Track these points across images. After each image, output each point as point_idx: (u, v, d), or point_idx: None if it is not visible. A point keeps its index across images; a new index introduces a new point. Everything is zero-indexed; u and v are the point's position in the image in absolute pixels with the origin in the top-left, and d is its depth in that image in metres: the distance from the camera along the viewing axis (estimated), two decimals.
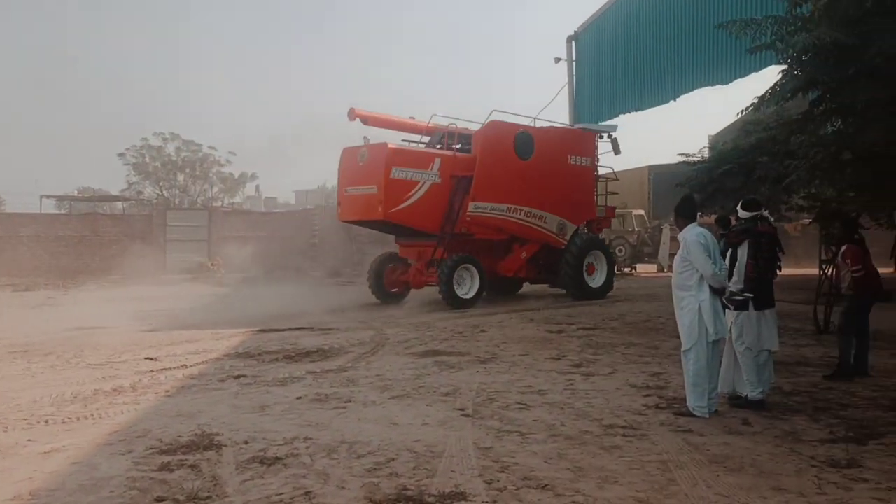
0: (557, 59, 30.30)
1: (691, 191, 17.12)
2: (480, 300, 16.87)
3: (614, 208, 21.24)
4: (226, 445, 5.91)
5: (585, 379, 8.63)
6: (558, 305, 17.13)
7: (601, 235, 20.00)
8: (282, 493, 4.83)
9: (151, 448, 5.82)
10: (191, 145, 49.19)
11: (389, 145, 16.49)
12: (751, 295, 7.02)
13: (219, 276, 26.76)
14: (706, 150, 27.13)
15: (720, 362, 7.16)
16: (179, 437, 6.15)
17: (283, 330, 13.01)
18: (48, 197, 38.58)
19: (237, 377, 8.78)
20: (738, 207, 7.43)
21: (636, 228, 32.59)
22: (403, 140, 17.92)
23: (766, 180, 15.39)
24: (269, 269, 26.20)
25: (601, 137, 19.83)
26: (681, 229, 7.15)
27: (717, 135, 33.76)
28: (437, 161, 16.82)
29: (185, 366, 9.62)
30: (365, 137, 16.89)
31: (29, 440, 6.10)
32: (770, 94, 7.23)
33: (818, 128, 7.93)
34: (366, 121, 17.46)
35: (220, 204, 47.95)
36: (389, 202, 16.11)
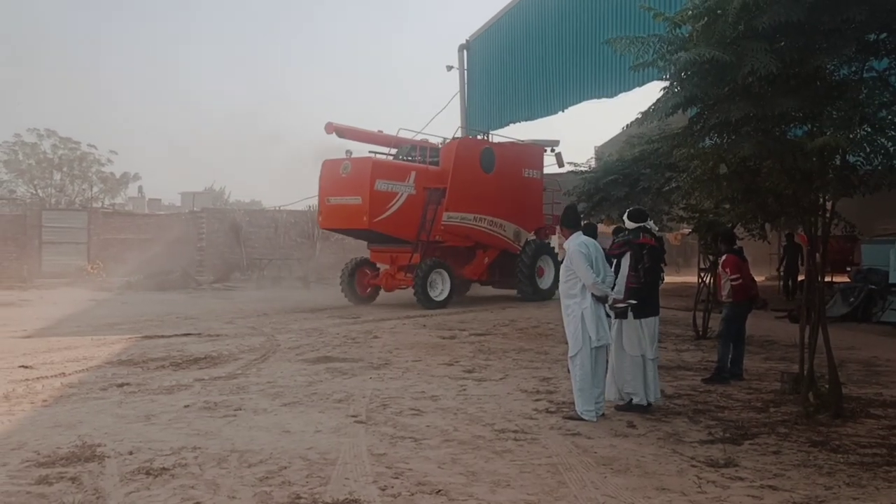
0: (450, 67, 30.67)
1: (579, 199, 17.71)
2: (451, 301, 18.01)
3: (558, 216, 21.93)
4: (109, 456, 5.69)
5: (478, 384, 8.76)
6: (446, 312, 17.29)
7: (548, 241, 21.13)
8: None
9: (28, 461, 5.54)
10: (68, 143, 46.74)
11: (373, 159, 18.15)
12: (633, 302, 7.30)
13: (99, 281, 25.59)
14: (593, 160, 28.08)
15: (607, 368, 7.42)
16: (58, 448, 5.87)
17: (169, 336, 12.60)
18: None
19: (120, 385, 8.45)
20: (625, 217, 7.73)
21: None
22: (370, 152, 19.01)
23: (648, 191, 16.06)
24: (154, 273, 25.23)
25: (549, 151, 21.33)
26: (566, 238, 7.39)
27: (603, 146, 34.90)
28: (413, 174, 18.20)
29: (63, 374, 9.18)
30: (348, 151, 18.33)
31: None
32: (653, 109, 7.56)
33: (697, 142, 8.35)
34: (341, 133, 18.82)
35: (100, 205, 45.85)
36: (374, 212, 17.32)
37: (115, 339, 12.17)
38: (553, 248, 20.69)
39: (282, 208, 32.02)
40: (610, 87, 20.39)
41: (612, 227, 13.38)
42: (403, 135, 19.73)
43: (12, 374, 9.14)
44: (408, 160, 19.21)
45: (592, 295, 7.06)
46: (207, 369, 9.57)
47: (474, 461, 5.70)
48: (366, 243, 19.64)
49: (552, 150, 21.54)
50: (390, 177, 17.79)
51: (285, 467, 5.50)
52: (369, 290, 19.09)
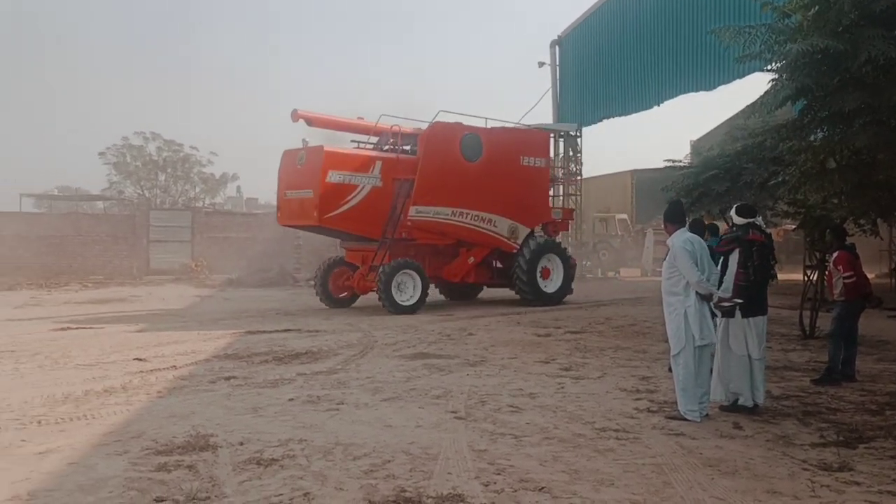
0: (541, 64, 30.50)
1: (677, 195, 17.27)
2: (423, 306, 16.27)
3: (572, 210, 20.71)
4: (221, 446, 5.91)
5: (575, 382, 8.69)
6: (542, 310, 17.18)
7: (558, 238, 19.30)
8: (281, 494, 4.85)
9: (147, 449, 5.81)
10: (172, 145, 48.90)
11: (326, 148, 16.05)
12: (739, 301, 7.09)
13: (202, 277, 26.62)
14: (689, 154, 27.38)
15: (712, 368, 7.24)
16: (174, 437, 6.14)
17: (271, 331, 12.98)
18: (27, 195, 38.18)
19: (228, 378, 8.77)
20: (733, 213, 7.50)
21: (619, 233, 32.80)
22: (352, 141, 17.47)
23: (751, 186, 15.56)
24: (254, 270, 26.06)
25: (562, 136, 19.68)
26: (669, 234, 7.23)
27: (700, 140, 34.08)
28: (379, 164, 16.33)
29: (174, 367, 9.58)
30: (304, 140, 16.54)
31: (23, 440, 6.08)
32: (761, 101, 7.33)
33: (807, 134, 8.06)
34: (310, 122, 16.98)
35: (201, 204, 47.65)
36: (324, 207, 15.65)
37: (220, 334, 12.62)
38: (563, 245, 18.92)
39: None
40: (709, 79, 19.90)
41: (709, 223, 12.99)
42: (385, 122, 17.37)
43: (128, 367, 9.60)
44: (386, 149, 17.03)
45: (696, 293, 6.90)
46: (309, 364, 9.82)
47: (576, 459, 5.66)
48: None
49: (561, 136, 19.95)
50: (348, 167, 15.92)
51: (389, 461, 5.59)
52: (345, 292, 17.34)
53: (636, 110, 25.19)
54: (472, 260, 17.69)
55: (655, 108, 23.55)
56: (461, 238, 17.40)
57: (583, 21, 28.30)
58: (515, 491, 4.96)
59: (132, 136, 47.82)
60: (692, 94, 21.28)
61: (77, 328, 13.24)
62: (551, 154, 19.92)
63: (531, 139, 18.99)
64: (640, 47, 23.98)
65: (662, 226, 7.60)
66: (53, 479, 5.09)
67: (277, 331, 13.09)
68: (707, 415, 6.97)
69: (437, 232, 16.96)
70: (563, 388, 8.37)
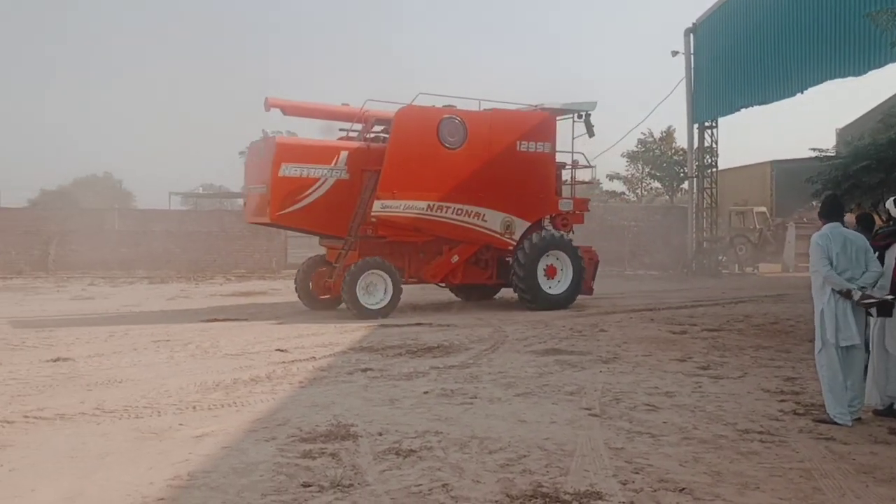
0: (675, 53, 29.64)
1: (824, 187, 16.32)
2: (394, 310, 14.78)
3: (587, 201, 18.20)
4: (361, 436, 6.10)
5: (714, 382, 8.42)
6: (677, 306, 16.72)
7: (570, 233, 16.86)
8: (420, 485, 4.96)
9: (293, 436, 6.09)
10: None
11: (278, 139, 14.95)
12: (890, 297, 6.63)
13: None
14: (836, 144, 25.86)
15: (865, 369, 6.84)
16: (317, 426, 6.39)
17: (403, 325, 13.27)
18: (175, 194, 40.68)
19: (364, 370, 9.04)
20: (890, 205, 7.03)
21: (758, 226, 31.42)
22: (340, 129, 16.06)
23: None
24: None
25: (580, 117, 16.84)
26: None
27: (847, 128, 32.11)
28: (344, 154, 14.93)
29: (313, 358, 9.97)
30: (263, 130, 15.36)
31: (181, 424, 6.50)
32: None
33: None
34: (285, 110, 15.67)
35: None
36: (278, 203, 14.43)
37: (355, 327, 13.01)
38: (571, 240, 16.44)
39: None
40: (857, 64, 18.75)
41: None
42: (372, 108, 15.91)
43: (271, 357, 10.06)
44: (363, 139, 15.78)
45: (833, 290, 6.56)
46: (441, 358, 9.98)
47: (718, 461, 5.49)
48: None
49: (580, 117, 16.84)
50: (306, 159, 14.61)
51: (524, 456, 5.61)
52: (328, 294, 15.68)
53: (777, 98, 24.07)
54: (455, 259, 15.76)
55: (798, 95, 22.45)
56: (440, 235, 15.48)
57: (719, 7, 27.30)
58: (655, 491, 4.87)
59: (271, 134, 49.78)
60: (838, 81, 20.15)
61: (224, 320, 13.98)
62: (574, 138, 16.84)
63: (531, 122, 16.43)
64: (781, 31, 22.86)
65: (803, 219, 7.24)
66: (209, 462, 5.42)
67: (409, 325, 13.36)
68: (859, 419, 6.60)
69: (409, 228, 15.16)
70: (700, 387, 8.13)
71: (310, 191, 14.58)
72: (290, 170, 14.39)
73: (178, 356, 10.15)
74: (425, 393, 7.80)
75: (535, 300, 15.68)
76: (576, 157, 17.28)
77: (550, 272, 15.98)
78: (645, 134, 43.51)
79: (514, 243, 15.92)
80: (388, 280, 14.57)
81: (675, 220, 32.56)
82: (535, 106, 16.66)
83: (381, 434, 6.17)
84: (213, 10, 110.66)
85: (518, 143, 16.01)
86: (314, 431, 6.22)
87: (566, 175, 17.52)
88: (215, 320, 13.87)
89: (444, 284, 16.93)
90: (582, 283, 16.36)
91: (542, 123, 16.45)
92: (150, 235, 28.21)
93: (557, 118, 16.78)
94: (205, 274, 26.63)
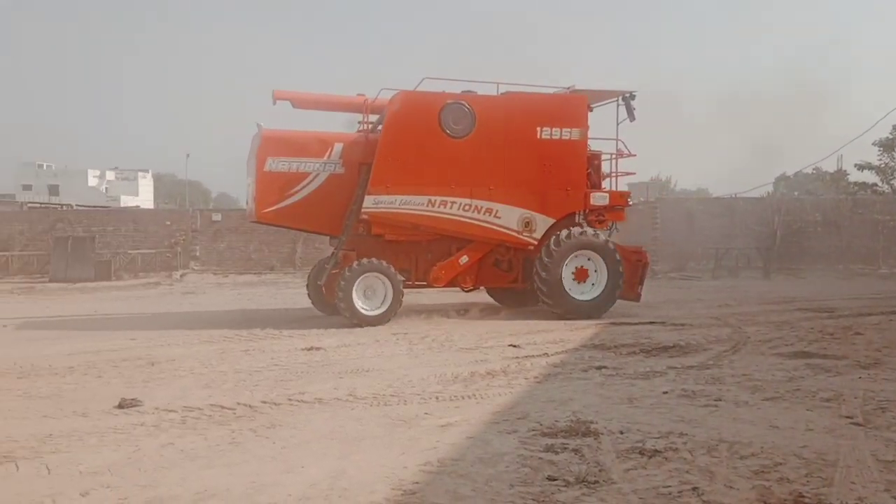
0: None
1: None
2: (394, 316, 13.42)
3: (627, 194, 15.71)
4: (602, 433, 6.04)
5: None
6: None
7: (611, 231, 15.16)
8: (669, 486, 4.82)
9: (533, 430, 6.15)
10: None
11: (265, 131, 13.72)
12: None
13: None
14: None
15: None
16: (556, 421, 6.41)
17: (635, 324, 12.99)
18: None
19: (599, 368, 8.94)
20: None
21: None
22: (359, 123, 14.77)
23: None
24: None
25: (627, 99, 14.67)
26: None
27: None
28: (339, 147, 13.76)
29: (546, 354, 10.02)
30: (258, 124, 13.97)
31: (426, 413, 6.79)
32: None
33: None
34: (294, 103, 14.62)
35: None
36: (263, 200, 13.50)
37: (585, 325, 12.93)
38: (606, 239, 14.43)
39: (738, 196, 31.02)
40: None
41: None
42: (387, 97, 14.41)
43: (504, 352, 10.25)
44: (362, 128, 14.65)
45: None
46: (678, 358, 9.64)
47: None
48: None
49: (622, 100, 14.69)
50: (295, 152, 13.53)
51: (780, 463, 5.26)
52: None
53: None
54: (465, 259, 14.15)
55: None
56: (444, 233, 13.98)
57: None
58: None
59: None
60: None
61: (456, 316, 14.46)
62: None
63: (554, 106, 14.48)
64: None
65: None
66: (456, 450, 5.61)
67: (642, 323, 13.06)
68: None
69: (406, 226, 13.75)
70: None
71: (299, 186, 13.57)
72: (276, 164, 13.45)
73: (416, 348, 10.64)
74: (665, 393, 7.56)
75: (558, 306, 14.00)
76: (618, 146, 15.22)
77: (580, 275, 14.20)
78: None
79: (535, 242, 14.20)
80: (388, 284, 13.32)
81: None
82: (567, 89, 14.75)
83: (622, 432, 6.07)
84: None
85: (539, 129, 14.11)
86: (554, 426, 6.24)
87: (603, 167, 15.39)
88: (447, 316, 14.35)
89: (469, 288, 15.12)
90: (619, 288, 14.31)
91: (568, 107, 14.46)
92: None
93: (596, 104, 15.10)
94: None
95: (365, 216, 13.49)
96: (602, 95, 14.91)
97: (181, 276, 26.62)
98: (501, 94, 14.38)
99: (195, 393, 7.72)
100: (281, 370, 8.98)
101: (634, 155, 15.13)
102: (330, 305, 14.07)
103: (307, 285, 15.18)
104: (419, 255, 14.26)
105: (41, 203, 41.65)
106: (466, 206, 13.82)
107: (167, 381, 8.44)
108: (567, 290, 14.01)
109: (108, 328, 13.21)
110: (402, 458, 5.44)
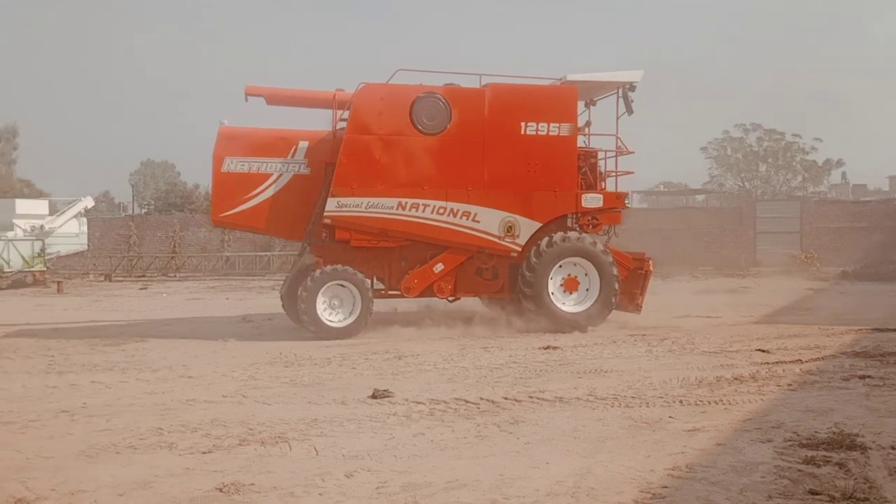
0: None
1: None
2: (362, 328, 12.09)
3: (624, 196, 13.71)
4: (870, 448, 5.54)
5: None
6: None
7: (608, 235, 13.54)
8: None
9: (789, 440, 5.78)
10: (773, 134, 48.34)
11: (223, 129, 12.62)
12: None
13: (813, 270, 25.58)
14: None
15: None
16: (816, 432, 5.98)
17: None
18: (636, 192, 41.87)
19: (862, 377, 8.21)
20: None
21: None
22: (342, 120, 13.03)
23: None
24: (872, 262, 24.03)
25: (621, 93, 12.91)
26: None
27: None
28: (303, 145, 12.63)
29: (799, 360, 9.36)
30: (220, 121, 12.82)
31: (670, 417, 6.62)
32: None
33: None
34: (267, 99, 13.40)
35: (802, 193, 46.01)
36: (220, 203, 12.54)
37: (843, 330, 11.92)
38: (596, 245, 12.66)
39: None
40: None
41: None
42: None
43: (752, 357, 9.71)
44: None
45: None
46: None
47: None
48: None
49: (622, 93, 12.90)
50: (254, 152, 12.44)
51: None
52: None
53: None
54: (440, 268, 12.65)
55: None
56: (416, 238, 12.59)
57: None
58: None
59: (732, 128, 48.91)
60: None
61: (696, 317, 13.92)
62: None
63: (540, 98, 12.88)
64: None
65: None
66: (706, 457, 5.41)
67: None
68: None
69: (373, 231, 12.40)
70: None
71: (260, 188, 12.58)
72: (234, 164, 12.49)
73: (655, 350, 10.38)
74: None
75: (544, 315, 12.51)
76: (613, 141, 13.50)
77: (569, 285, 12.71)
78: None
79: (519, 248, 12.75)
80: (356, 293, 12.12)
81: None
82: (559, 80, 13.14)
83: (894, 448, 5.53)
84: None
85: (523, 124, 12.70)
86: (814, 438, 5.82)
87: (594, 165, 13.56)
88: (687, 316, 13.87)
89: (453, 299, 13.56)
90: (613, 299, 12.73)
91: (556, 100, 12.93)
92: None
93: (597, 97, 13.64)
94: (667, 270, 26.81)
95: (327, 220, 12.40)
96: (598, 87, 13.55)
97: None
98: (483, 86, 13.07)
99: (440, 386, 8.09)
100: (520, 368, 9.15)
101: (633, 152, 13.59)
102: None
103: (281, 295, 13.90)
104: (392, 262, 12.96)
105: None
106: (441, 210, 12.62)
107: (413, 374, 8.91)
108: (554, 300, 12.65)
109: None
110: (648, 460, 5.34)
